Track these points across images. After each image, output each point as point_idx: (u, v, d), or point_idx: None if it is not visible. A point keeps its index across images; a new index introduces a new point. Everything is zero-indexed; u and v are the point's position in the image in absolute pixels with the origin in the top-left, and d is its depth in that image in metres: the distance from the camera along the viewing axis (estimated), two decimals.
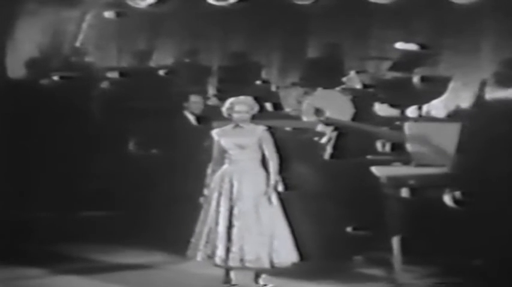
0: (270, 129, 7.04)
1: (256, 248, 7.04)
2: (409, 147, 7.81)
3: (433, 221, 7.33)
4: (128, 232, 8.18)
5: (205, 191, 7.05)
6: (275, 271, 7.05)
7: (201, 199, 7.09)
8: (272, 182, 7.01)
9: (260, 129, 7.14)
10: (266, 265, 7.07)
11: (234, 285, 7.10)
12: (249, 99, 7.20)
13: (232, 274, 7.12)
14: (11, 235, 7.96)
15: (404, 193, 7.44)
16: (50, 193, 8.40)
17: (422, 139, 7.72)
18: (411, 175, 7.57)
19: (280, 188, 7.21)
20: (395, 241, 7.37)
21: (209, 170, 7.12)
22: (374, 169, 7.68)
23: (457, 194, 7.31)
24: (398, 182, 7.51)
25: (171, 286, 7.39)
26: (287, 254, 7.03)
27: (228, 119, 7.12)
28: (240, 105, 7.15)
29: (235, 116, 7.13)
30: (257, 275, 7.18)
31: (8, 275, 7.46)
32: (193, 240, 7.00)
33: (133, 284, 7.37)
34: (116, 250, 8.07)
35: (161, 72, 9.40)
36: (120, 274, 7.62)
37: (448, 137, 7.69)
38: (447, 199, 7.35)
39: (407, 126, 7.88)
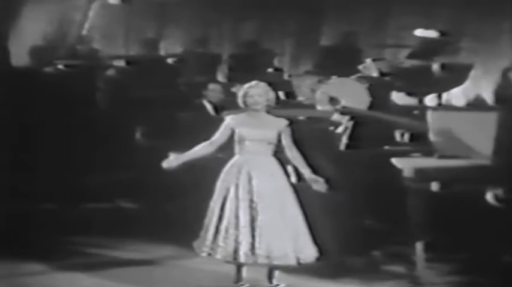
0: (291, 124, 6.57)
1: (282, 244, 6.47)
2: (432, 137, 7.31)
3: (458, 216, 6.82)
4: (134, 225, 7.82)
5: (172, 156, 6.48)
6: (289, 268, 6.55)
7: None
8: (308, 175, 6.52)
9: (283, 124, 6.55)
10: (293, 261, 6.51)
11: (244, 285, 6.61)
12: (261, 83, 6.70)
13: (244, 271, 6.61)
14: (12, 228, 7.55)
15: (434, 186, 6.93)
16: (53, 184, 8.07)
17: (448, 129, 7.22)
18: (439, 167, 7.05)
19: (294, 179, 6.74)
20: (419, 237, 6.85)
21: (200, 146, 6.52)
22: (395, 161, 7.17)
23: (500, 192, 6.79)
24: (424, 175, 7.00)
25: (179, 284, 6.91)
26: (310, 249, 6.52)
27: (243, 109, 6.64)
28: (253, 89, 6.64)
29: (249, 101, 6.62)
30: (270, 273, 6.62)
31: (9, 271, 7.00)
32: (208, 236, 6.45)
33: (139, 282, 6.88)
34: (122, 244, 7.69)
35: (170, 61, 9.20)
36: (126, 270, 7.18)
37: (480, 128, 7.19)
38: (489, 197, 6.84)
39: (430, 115, 7.36)
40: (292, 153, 6.59)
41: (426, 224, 6.90)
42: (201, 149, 6.62)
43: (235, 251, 6.45)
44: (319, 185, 6.56)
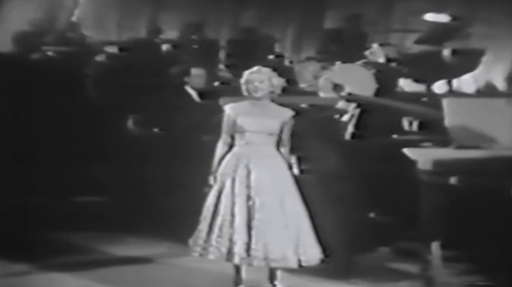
0: (296, 115, 6.05)
1: (282, 244, 5.86)
2: (448, 126, 6.74)
3: (477, 211, 6.23)
4: (127, 219, 7.29)
5: (212, 177, 5.93)
6: (291, 268, 5.96)
7: (211, 180, 5.99)
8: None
9: (288, 114, 6.01)
10: (293, 264, 5.89)
11: None
12: (264, 69, 6.12)
13: (243, 271, 5.99)
14: None
15: (452, 180, 6.35)
16: (40, 176, 7.54)
17: (466, 118, 6.64)
18: (456, 158, 6.46)
19: (296, 171, 6.16)
20: (434, 234, 6.26)
21: (218, 151, 6.03)
22: (408, 151, 6.61)
23: None
24: (440, 167, 6.42)
25: (173, 284, 6.34)
26: (313, 250, 5.89)
27: (242, 96, 6.10)
28: (254, 75, 6.06)
29: (250, 87, 6.03)
30: (272, 273, 6.00)
31: None
32: (201, 235, 5.86)
33: (130, 283, 6.32)
34: (113, 240, 7.16)
35: (165, 47, 8.77)
36: (116, 269, 6.59)
37: (503, 116, 6.63)
38: None
39: (446, 103, 6.80)
40: (284, 150, 6.08)
41: (442, 220, 6.33)
42: (221, 152, 6.08)
43: (229, 252, 5.85)
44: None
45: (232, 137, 6.03)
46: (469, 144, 6.55)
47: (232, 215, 5.88)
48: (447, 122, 6.73)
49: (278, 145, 6.05)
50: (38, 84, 7.94)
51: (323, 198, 6.31)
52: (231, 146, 6.03)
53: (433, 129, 7.09)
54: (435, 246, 6.29)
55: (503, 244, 6.26)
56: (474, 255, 6.41)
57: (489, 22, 8.17)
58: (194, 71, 8.02)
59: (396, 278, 6.46)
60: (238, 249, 5.82)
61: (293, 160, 6.24)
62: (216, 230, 5.87)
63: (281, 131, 6.03)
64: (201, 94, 7.99)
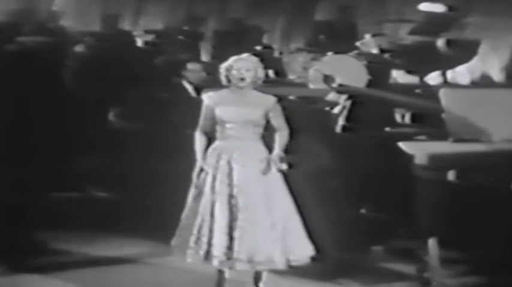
0: (280, 101, 5.59)
1: (267, 246, 5.40)
2: (446, 118, 6.42)
3: (476, 209, 5.91)
4: (107, 217, 6.93)
5: (196, 173, 5.50)
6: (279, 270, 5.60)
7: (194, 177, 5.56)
8: (275, 155, 5.48)
9: (271, 101, 5.52)
10: (281, 265, 5.45)
11: None
12: (252, 57, 5.65)
13: (226, 272, 5.55)
14: None
15: (450, 175, 6.01)
16: (14, 171, 7.17)
17: (464, 110, 6.29)
18: (454, 153, 6.14)
19: (284, 166, 5.74)
20: (431, 233, 5.92)
21: (197, 144, 5.56)
22: (403, 145, 6.31)
23: None
24: (438, 162, 6.10)
25: (154, 286, 5.97)
26: (303, 247, 5.48)
27: (226, 87, 5.69)
28: (241, 61, 5.55)
29: (234, 75, 5.51)
30: (257, 275, 5.61)
31: None
32: (182, 235, 5.50)
33: (110, 284, 5.90)
34: (93, 239, 6.74)
35: (149, 38, 8.41)
36: (95, 270, 6.17)
37: (504, 108, 6.29)
38: None
39: (443, 94, 6.45)
40: (283, 133, 5.58)
41: (439, 217, 6.01)
42: (200, 142, 5.60)
43: (207, 255, 5.40)
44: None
45: (213, 129, 5.59)
46: (468, 137, 6.22)
47: (212, 215, 5.43)
48: (445, 114, 6.39)
49: (263, 137, 5.60)
50: (15, 76, 7.58)
51: (312, 194, 5.93)
52: (210, 139, 5.60)
53: (427, 122, 6.84)
54: (432, 245, 5.96)
55: (504, 242, 5.91)
56: (473, 254, 6.08)
57: (485, 12, 7.86)
58: (190, 65, 7.75)
59: (390, 279, 6.10)
60: (217, 252, 5.38)
61: (281, 154, 5.83)
62: (194, 231, 5.43)
63: (267, 121, 5.56)
64: (196, 89, 7.64)
